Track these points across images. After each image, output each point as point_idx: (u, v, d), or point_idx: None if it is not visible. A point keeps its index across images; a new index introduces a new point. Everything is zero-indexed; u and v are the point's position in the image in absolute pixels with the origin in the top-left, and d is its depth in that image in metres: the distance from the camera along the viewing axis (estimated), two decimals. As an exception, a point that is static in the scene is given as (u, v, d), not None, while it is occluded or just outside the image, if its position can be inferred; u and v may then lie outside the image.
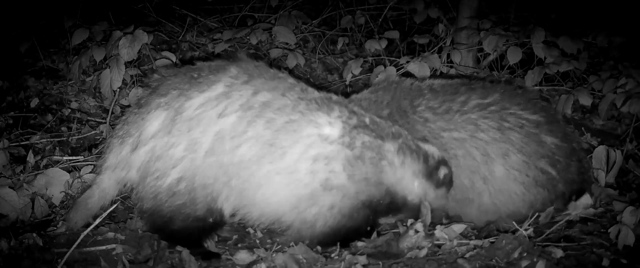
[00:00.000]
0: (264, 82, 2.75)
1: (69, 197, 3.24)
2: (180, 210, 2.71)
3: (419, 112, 3.18)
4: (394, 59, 4.77)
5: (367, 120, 2.88)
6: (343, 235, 2.85)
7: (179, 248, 2.72)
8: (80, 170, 3.33)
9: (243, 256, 2.75)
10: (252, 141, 2.66)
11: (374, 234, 2.99)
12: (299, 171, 2.69)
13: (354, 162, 2.75)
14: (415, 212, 2.96)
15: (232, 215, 2.87)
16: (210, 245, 2.89)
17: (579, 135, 4.25)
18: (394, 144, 2.86)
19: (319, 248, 2.87)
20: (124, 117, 2.89)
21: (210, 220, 2.76)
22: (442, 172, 2.94)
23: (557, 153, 3.09)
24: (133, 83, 4.31)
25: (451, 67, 4.75)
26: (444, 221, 3.12)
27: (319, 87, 3.06)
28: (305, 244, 2.77)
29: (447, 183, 3.00)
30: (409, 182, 2.89)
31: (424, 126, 3.15)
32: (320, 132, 2.73)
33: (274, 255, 2.69)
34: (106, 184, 2.83)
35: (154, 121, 2.72)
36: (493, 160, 3.05)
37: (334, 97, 2.94)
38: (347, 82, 4.74)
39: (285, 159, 2.67)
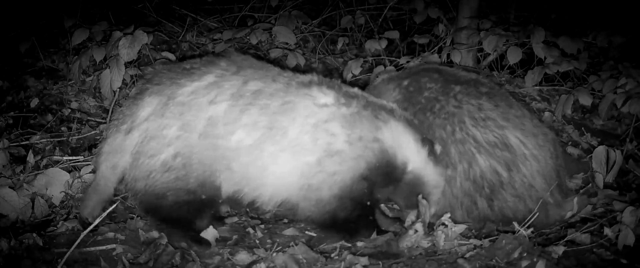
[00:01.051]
0: (253, 72, 2.89)
1: (69, 197, 3.24)
2: (174, 184, 2.78)
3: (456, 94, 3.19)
4: (394, 58, 4.77)
5: (358, 92, 3.00)
6: (347, 208, 2.86)
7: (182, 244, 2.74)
8: (80, 170, 3.33)
9: (243, 256, 2.75)
10: (249, 128, 2.76)
11: (374, 233, 2.99)
12: (304, 142, 2.78)
13: (350, 119, 2.82)
14: (414, 188, 2.94)
15: (234, 197, 2.93)
16: (209, 237, 2.91)
17: (579, 135, 4.26)
18: (387, 110, 2.95)
19: (318, 247, 2.88)
20: (121, 108, 3.01)
21: (203, 196, 2.82)
22: (438, 147, 2.98)
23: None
24: (133, 83, 4.31)
25: (451, 67, 4.75)
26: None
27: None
28: (312, 215, 2.86)
29: (442, 163, 3.00)
30: (409, 146, 2.90)
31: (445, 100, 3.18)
32: (316, 102, 2.84)
33: (274, 255, 2.69)
34: (106, 173, 2.92)
35: (147, 107, 2.84)
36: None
37: (321, 77, 3.03)
38: (347, 82, 4.74)
39: (288, 136, 2.78)
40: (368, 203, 2.92)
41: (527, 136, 3.07)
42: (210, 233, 2.91)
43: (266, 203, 2.93)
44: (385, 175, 2.89)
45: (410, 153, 2.91)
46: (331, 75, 5.36)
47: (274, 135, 2.77)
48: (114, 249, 2.68)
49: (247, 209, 3.36)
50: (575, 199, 3.17)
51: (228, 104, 2.78)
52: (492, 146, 3.01)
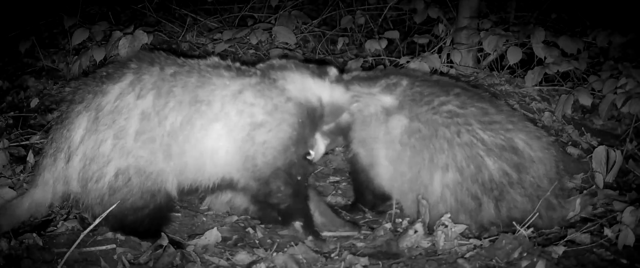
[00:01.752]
0: (165, 59, 2.95)
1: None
2: (126, 203, 2.78)
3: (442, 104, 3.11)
4: (394, 59, 4.78)
5: (249, 67, 3.16)
6: (280, 176, 2.99)
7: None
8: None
9: (243, 256, 2.75)
10: (177, 107, 2.81)
11: (373, 233, 2.99)
12: (230, 114, 2.88)
13: (259, 88, 2.97)
14: (334, 107, 3.25)
15: (182, 190, 2.92)
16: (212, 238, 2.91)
17: (579, 135, 4.26)
18: (280, 68, 3.16)
19: (317, 248, 2.88)
20: (49, 136, 2.92)
21: (160, 202, 2.83)
22: (331, 71, 3.27)
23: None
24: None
25: (451, 67, 4.76)
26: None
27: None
28: (248, 184, 2.98)
29: (340, 79, 3.30)
30: (313, 85, 3.15)
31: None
32: (225, 82, 2.93)
33: (273, 255, 2.69)
34: (40, 196, 2.85)
35: (78, 129, 2.79)
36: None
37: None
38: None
39: (213, 108, 2.85)
40: (298, 178, 3.05)
41: (532, 139, 3.03)
42: (212, 234, 2.91)
43: (206, 181, 2.93)
44: (312, 120, 3.12)
45: (316, 89, 3.15)
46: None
47: (200, 108, 2.83)
48: (114, 249, 2.68)
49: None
50: (578, 200, 3.16)
51: (154, 93, 2.80)
52: (500, 149, 2.95)
